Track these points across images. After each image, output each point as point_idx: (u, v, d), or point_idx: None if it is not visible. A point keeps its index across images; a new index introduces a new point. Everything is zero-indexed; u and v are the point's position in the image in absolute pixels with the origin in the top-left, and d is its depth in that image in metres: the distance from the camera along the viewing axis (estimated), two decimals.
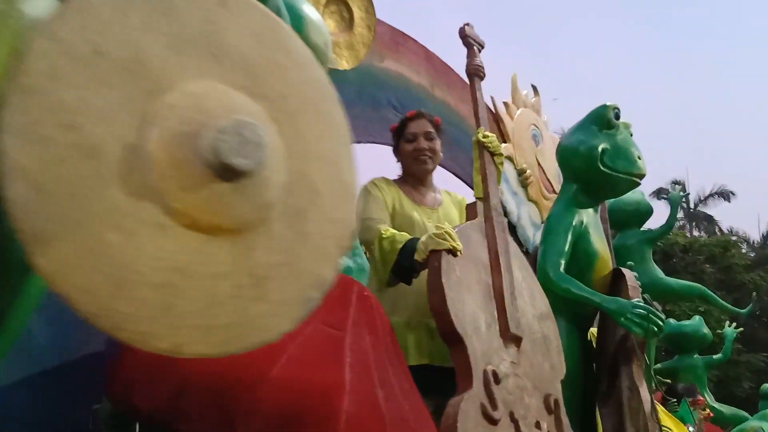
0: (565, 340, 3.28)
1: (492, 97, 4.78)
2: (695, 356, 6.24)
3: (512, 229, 4.68)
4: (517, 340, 2.56)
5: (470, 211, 2.78)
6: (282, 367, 1.91)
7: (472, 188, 4.56)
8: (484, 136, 2.87)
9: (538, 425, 2.46)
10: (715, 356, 6.42)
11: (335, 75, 3.67)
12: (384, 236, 2.64)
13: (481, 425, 2.23)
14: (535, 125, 4.95)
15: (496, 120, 4.70)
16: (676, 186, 6.75)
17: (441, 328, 2.37)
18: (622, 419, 3.11)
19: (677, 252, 22.00)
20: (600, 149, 3.36)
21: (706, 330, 6.28)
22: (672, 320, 6.54)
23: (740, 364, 19.61)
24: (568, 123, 4.66)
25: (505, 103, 4.88)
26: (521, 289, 2.72)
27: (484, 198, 2.78)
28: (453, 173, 4.21)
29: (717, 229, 27.59)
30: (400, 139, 3.02)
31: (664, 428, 2.85)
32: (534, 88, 5.26)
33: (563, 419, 2.61)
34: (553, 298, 3.32)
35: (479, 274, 2.57)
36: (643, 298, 3.21)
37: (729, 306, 6.22)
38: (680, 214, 28.21)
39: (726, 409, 6.10)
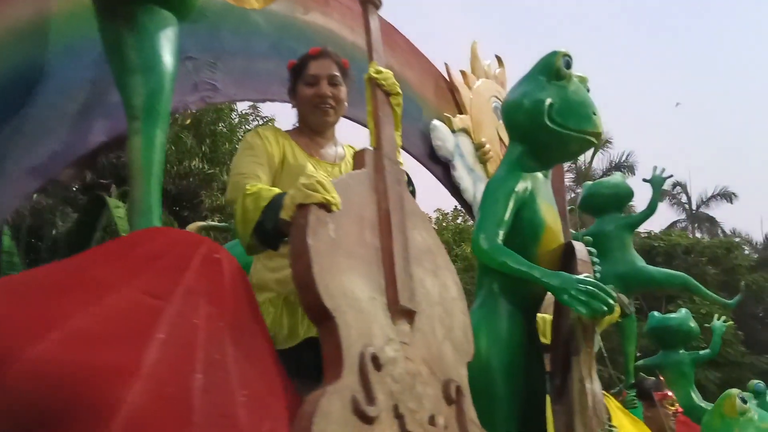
0: (506, 325, 2.74)
1: (446, 64, 4.23)
2: (681, 351, 5.63)
3: (469, 209, 4.14)
4: (409, 315, 2.02)
5: (358, 160, 2.22)
6: (50, 344, 1.39)
7: (428, 168, 4.06)
8: (377, 72, 2.33)
9: (432, 420, 1.91)
10: (702, 352, 5.80)
11: (244, 24, 3.24)
12: (248, 192, 2.08)
13: (350, 425, 1.67)
14: (497, 98, 4.38)
15: (451, 89, 4.15)
16: (658, 169, 6.09)
17: (305, 302, 1.82)
18: (572, 417, 2.56)
19: (679, 253, 21.55)
20: (547, 103, 2.79)
21: (693, 324, 5.68)
22: (656, 313, 5.95)
23: (744, 366, 19.15)
24: None
25: (463, 72, 4.32)
26: (420, 255, 2.18)
27: (376, 145, 2.23)
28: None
29: (719, 231, 27.00)
30: (298, 80, 2.47)
31: (611, 428, 2.28)
32: (498, 58, 4.71)
33: (467, 410, 2.06)
34: (493, 275, 2.79)
35: (364, 235, 2.02)
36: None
37: (715, 296, 5.62)
38: (682, 216, 27.72)
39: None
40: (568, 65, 2.85)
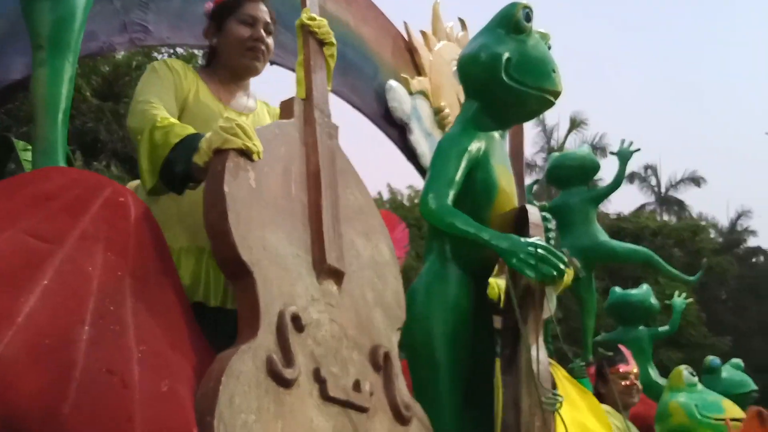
0: (454, 290, 2.58)
1: (406, 24, 4.02)
2: (640, 328, 5.53)
3: (425, 174, 3.96)
4: (336, 276, 1.85)
5: (285, 110, 2.03)
6: None
7: (383, 130, 3.87)
8: (310, 19, 2.13)
9: (357, 386, 1.75)
10: (661, 328, 5.71)
11: None
12: (158, 125, 1.86)
13: (263, 387, 1.50)
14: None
15: (410, 50, 3.95)
16: (626, 142, 5.95)
17: (219, 254, 1.64)
18: (519, 387, 2.41)
19: (647, 235, 21.66)
20: (505, 57, 2.61)
21: (653, 300, 5.58)
22: (617, 288, 5.84)
23: (705, 347, 19.38)
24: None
25: (423, 33, 4.11)
26: (351, 215, 2.01)
27: (307, 95, 2.04)
28: (350, 103, 3.45)
29: (687, 214, 27.18)
30: (228, 18, 2.25)
31: (556, 396, 2.13)
32: (461, 21, 4.50)
33: (395, 377, 1.90)
34: (442, 238, 2.63)
35: (290, 189, 1.84)
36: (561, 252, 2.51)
37: (677, 272, 5.51)
38: (651, 198, 27.86)
39: None
40: (528, 18, 2.66)
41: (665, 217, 26.53)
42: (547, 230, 2.71)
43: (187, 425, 1.31)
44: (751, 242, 27.06)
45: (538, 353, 2.24)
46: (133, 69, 11.11)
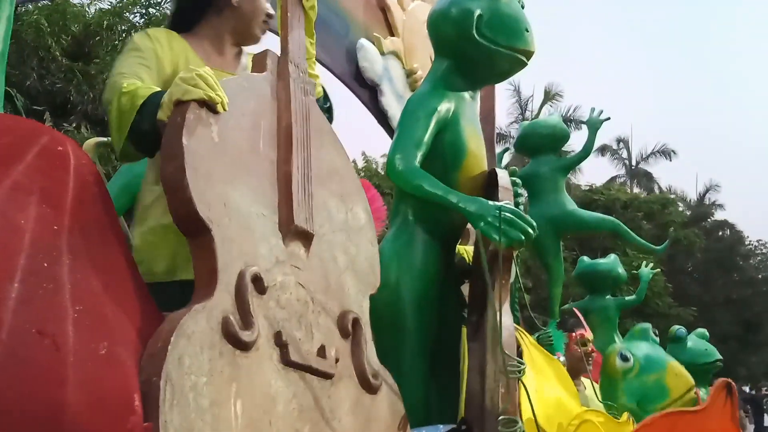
0: (420, 255, 2.53)
1: None
2: (607, 297, 5.55)
3: None
4: (305, 238, 1.77)
5: (257, 64, 1.93)
6: None
7: (353, 90, 3.76)
8: None
9: (322, 351, 1.69)
10: (627, 298, 5.73)
11: None
12: (124, 90, 1.77)
13: (217, 349, 1.43)
14: None
15: (383, 8, 3.84)
16: (596, 111, 5.88)
17: (176, 210, 1.55)
18: (485, 353, 2.37)
19: (618, 208, 21.85)
20: (476, 14, 2.53)
21: (621, 270, 5.60)
22: (585, 258, 5.85)
23: (671, 317, 19.73)
24: None
25: None
26: (326, 176, 1.93)
27: (282, 48, 1.95)
28: (319, 62, 3.33)
29: (656, 187, 27.45)
30: None
31: (520, 364, 2.09)
32: None
33: (364, 344, 1.84)
34: (409, 201, 2.57)
35: (258, 146, 1.76)
36: None
37: (643, 242, 5.53)
38: (622, 171, 28.06)
39: None
40: None
41: (635, 190, 26.75)
42: (516, 195, 2.65)
43: (126, 389, 1.23)
44: (719, 215, 27.46)
45: (501, 319, 2.19)
46: (104, 29, 10.78)
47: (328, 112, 2.66)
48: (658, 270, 5.89)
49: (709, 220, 27.00)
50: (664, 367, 3.24)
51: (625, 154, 28.38)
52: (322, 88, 2.64)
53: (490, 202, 2.30)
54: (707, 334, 4.92)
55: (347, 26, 3.54)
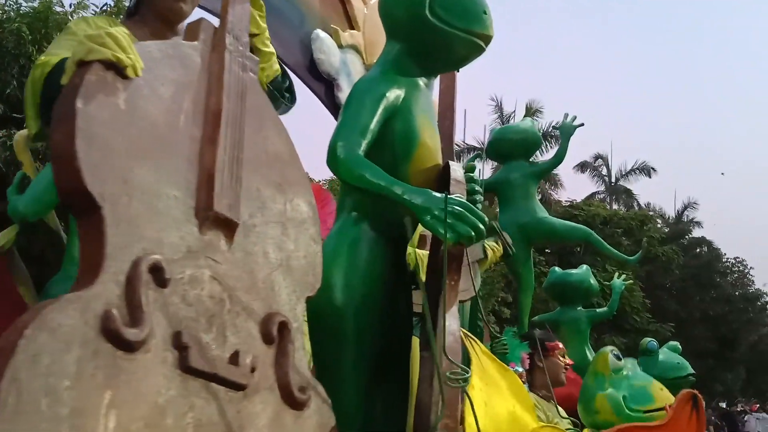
0: (365, 254, 2.30)
1: None
2: (579, 309, 5.35)
3: None
4: (227, 227, 1.55)
5: (189, 33, 1.72)
6: None
7: (307, 83, 3.52)
8: None
9: (234, 358, 1.46)
10: (599, 309, 5.53)
11: None
12: (38, 63, 1.60)
13: (91, 348, 1.20)
14: None
15: (342, 0, 3.64)
16: (568, 117, 5.70)
17: (61, 183, 1.34)
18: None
19: (597, 224, 21.80)
20: None
21: (593, 281, 5.41)
22: (557, 268, 5.65)
23: (649, 333, 19.55)
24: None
25: None
26: (262, 161, 1.71)
27: (221, 19, 1.73)
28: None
29: (636, 204, 27.45)
30: None
31: (464, 372, 1.86)
32: None
33: (291, 352, 1.61)
34: (354, 195, 2.34)
35: (177, 120, 1.53)
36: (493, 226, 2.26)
37: (616, 252, 5.34)
38: (602, 187, 28.04)
39: None
40: None
41: (615, 206, 26.73)
42: (473, 192, 2.44)
43: None
44: (696, 233, 27.48)
45: (445, 323, 1.97)
46: None
47: (288, 92, 2.45)
48: (631, 281, 5.70)
49: (687, 237, 27.00)
50: (650, 381, 3.10)
51: (605, 171, 28.37)
52: (281, 67, 2.44)
53: (439, 195, 2.08)
54: (680, 347, 4.72)
55: (302, 16, 3.34)
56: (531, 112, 25.66)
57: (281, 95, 2.41)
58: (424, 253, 2.79)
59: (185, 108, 1.57)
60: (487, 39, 2.39)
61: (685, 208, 28.29)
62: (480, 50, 2.42)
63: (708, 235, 27.32)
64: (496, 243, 3.95)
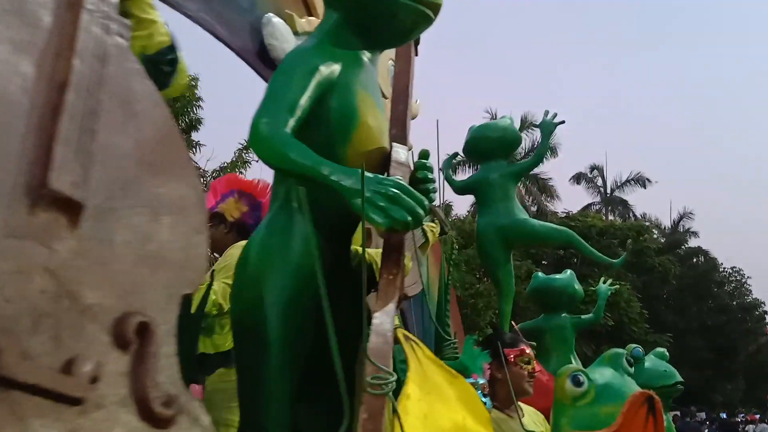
0: (297, 248, 1.99)
1: None
2: (563, 315, 5.03)
3: None
4: (69, 209, 1.25)
5: None
6: None
7: (257, 70, 3.22)
8: None
9: (68, 366, 1.14)
10: (584, 316, 5.20)
11: None
12: None
13: None
14: None
15: None
16: (548, 114, 5.41)
17: None
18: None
19: (594, 235, 21.58)
20: None
21: (577, 286, 5.10)
22: (540, 273, 5.35)
23: (647, 343, 19.24)
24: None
25: None
26: (122, 135, 1.40)
27: None
28: (214, 35, 2.82)
29: (632, 215, 27.16)
30: None
31: (387, 375, 1.54)
32: None
33: (154, 360, 1.28)
34: (286, 180, 2.05)
35: (8, 82, 1.24)
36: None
37: (600, 255, 5.02)
38: (597, 198, 27.75)
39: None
40: None
41: (611, 217, 26.45)
42: (426, 181, 2.15)
43: None
44: (693, 243, 27.17)
45: (383, 323, 1.66)
46: None
47: (169, 65, 2.17)
48: (617, 286, 5.39)
49: (683, 247, 26.70)
50: (623, 400, 2.66)
51: (600, 182, 28.09)
52: (170, 38, 2.16)
53: (373, 176, 1.79)
54: (667, 354, 4.39)
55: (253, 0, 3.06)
56: (526, 124, 25.41)
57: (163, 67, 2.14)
58: (377, 252, 2.49)
59: (23, 71, 1.27)
60: (436, 7, 2.11)
61: (681, 218, 28.00)
62: (428, 20, 2.14)
63: (704, 244, 27.05)
64: (433, 221, 3.60)
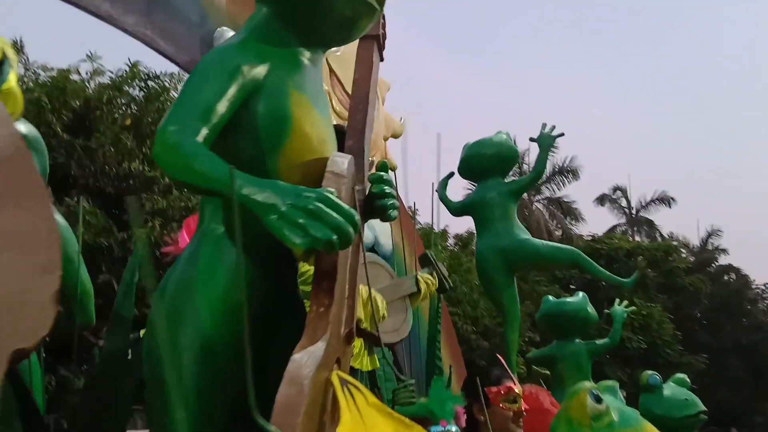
0: (224, 280, 1.68)
1: None
2: (577, 341, 4.63)
3: None
4: None
5: None
6: None
7: (178, 63, 2.92)
8: None
9: None
10: (599, 341, 4.77)
11: None
12: None
13: None
14: None
15: None
16: (546, 126, 5.07)
17: None
18: None
19: (621, 257, 20.99)
20: None
21: (590, 309, 4.69)
22: (551, 297, 4.95)
23: (682, 366, 18.72)
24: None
25: None
26: None
27: None
28: (157, 50, 2.56)
29: (658, 234, 26.48)
30: None
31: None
32: None
33: None
34: (213, 200, 1.74)
35: None
36: None
37: (609, 274, 4.62)
38: (622, 219, 27.13)
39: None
40: None
41: (637, 238, 25.82)
42: (383, 195, 1.83)
43: None
44: (722, 260, 26.37)
45: (303, 359, 1.33)
46: (105, 103, 10.40)
47: None
48: (633, 308, 4.94)
49: (713, 265, 25.90)
50: (639, 425, 2.33)
51: (624, 203, 27.51)
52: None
53: (293, 188, 1.48)
54: (688, 380, 3.96)
55: (203, 13, 2.81)
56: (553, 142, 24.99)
57: None
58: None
59: None
60: None
61: (709, 236, 27.20)
62: (371, 11, 1.85)
63: (735, 262, 26.24)
64: (431, 274, 3.33)
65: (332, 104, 3.40)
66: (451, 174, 4.62)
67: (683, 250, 25.04)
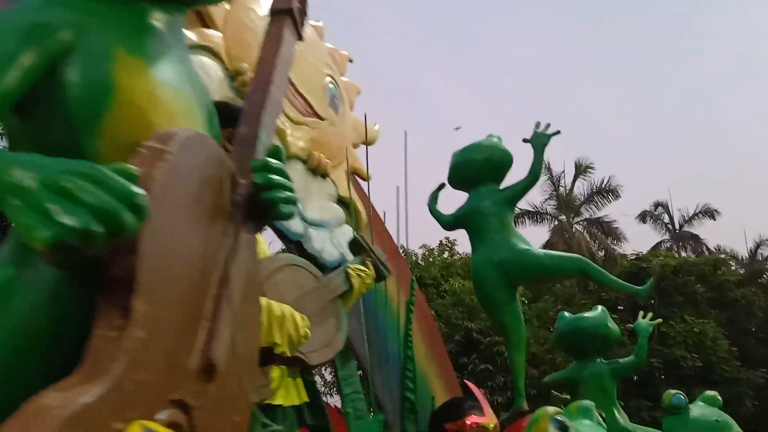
0: (18, 306, 1.22)
1: None
2: (598, 361, 4.03)
3: None
4: None
5: None
6: None
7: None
8: None
9: None
10: (623, 360, 4.15)
11: None
12: None
13: None
14: None
15: None
16: (539, 125, 4.58)
17: None
18: None
19: (668, 274, 20.04)
20: None
21: (611, 324, 4.10)
22: (566, 314, 4.37)
23: (741, 382, 17.74)
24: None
25: None
26: None
27: None
28: None
29: (704, 248, 25.34)
30: None
31: None
32: None
33: None
34: None
35: None
36: None
37: (622, 283, 4.03)
38: (666, 236, 26.08)
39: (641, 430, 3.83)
40: None
41: (683, 254, 24.74)
42: (270, 186, 1.39)
43: None
44: None
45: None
46: None
47: None
48: (660, 320, 4.30)
49: (765, 276, 24.60)
50: None
51: (666, 219, 26.48)
52: None
53: (48, 160, 1.03)
54: (719, 398, 3.34)
55: None
56: (581, 169, 24.28)
57: None
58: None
59: None
60: None
61: (758, 246, 25.89)
62: None
63: None
64: (365, 264, 2.61)
65: (284, 110, 2.97)
66: (442, 185, 4.12)
67: (732, 263, 23.89)
